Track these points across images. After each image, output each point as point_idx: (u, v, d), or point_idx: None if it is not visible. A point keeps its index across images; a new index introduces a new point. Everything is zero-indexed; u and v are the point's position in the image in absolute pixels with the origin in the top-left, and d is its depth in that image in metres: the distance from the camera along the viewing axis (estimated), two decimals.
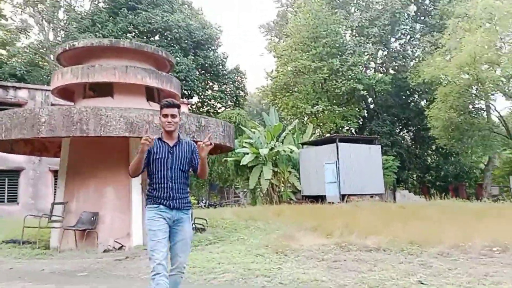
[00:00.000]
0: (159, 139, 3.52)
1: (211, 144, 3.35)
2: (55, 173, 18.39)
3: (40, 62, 29.51)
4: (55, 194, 17.14)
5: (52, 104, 19.33)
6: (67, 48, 9.43)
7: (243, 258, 6.55)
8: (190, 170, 3.61)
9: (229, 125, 9.47)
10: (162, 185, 3.44)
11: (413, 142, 34.65)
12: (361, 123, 32.65)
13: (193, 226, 10.28)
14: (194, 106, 32.82)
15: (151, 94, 9.66)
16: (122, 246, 8.50)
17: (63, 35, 28.62)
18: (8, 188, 18.94)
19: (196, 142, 3.65)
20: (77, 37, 26.26)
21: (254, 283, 5.11)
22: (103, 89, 9.20)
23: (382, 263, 5.96)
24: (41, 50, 29.26)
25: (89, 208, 8.82)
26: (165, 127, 3.48)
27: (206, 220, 10.91)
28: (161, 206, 3.41)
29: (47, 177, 19.71)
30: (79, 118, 7.28)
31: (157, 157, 3.45)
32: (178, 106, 3.53)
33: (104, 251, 8.28)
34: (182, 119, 8.51)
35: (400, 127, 33.93)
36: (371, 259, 6.30)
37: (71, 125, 7.28)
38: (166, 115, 3.47)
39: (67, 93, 9.79)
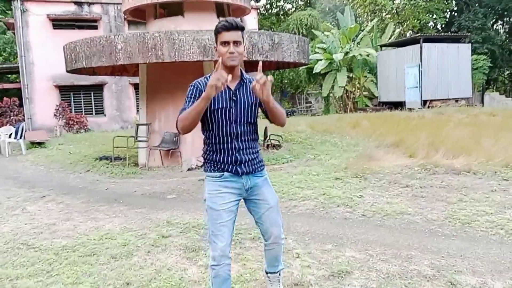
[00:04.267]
0: None
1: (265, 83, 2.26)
2: (135, 86, 19.25)
3: None
4: (137, 107, 18.14)
5: (125, 19, 19.52)
6: None
7: (322, 183, 6.53)
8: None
9: (304, 40, 8.88)
10: (226, 145, 2.47)
11: (507, 36, 30.77)
12: (448, 17, 29.32)
13: (269, 142, 10.39)
14: (262, 9, 31.38)
15: (221, 9, 9.22)
16: None
17: None
18: (94, 101, 20.34)
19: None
20: None
21: (336, 214, 5.09)
22: (174, 8, 8.94)
23: (472, 192, 5.60)
24: None
25: (170, 129, 9.18)
26: (226, 61, 2.35)
27: (281, 136, 10.94)
28: (226, 174, 2.49)
29: (128, 90, 20.72)
30: (153, 44, 7.21)
31: (217, 107, 2.41)
32: (242, 28, 2.43)
33: (188, 169, 8.75)
34: (253, 38, 8.17)
35: (494, 20, 29.99)
36: (460, 186, 5.95)
37: (146, 51, 7.27)
38: (225, 43, 2.35)
39: (139, 13, 9.68)
